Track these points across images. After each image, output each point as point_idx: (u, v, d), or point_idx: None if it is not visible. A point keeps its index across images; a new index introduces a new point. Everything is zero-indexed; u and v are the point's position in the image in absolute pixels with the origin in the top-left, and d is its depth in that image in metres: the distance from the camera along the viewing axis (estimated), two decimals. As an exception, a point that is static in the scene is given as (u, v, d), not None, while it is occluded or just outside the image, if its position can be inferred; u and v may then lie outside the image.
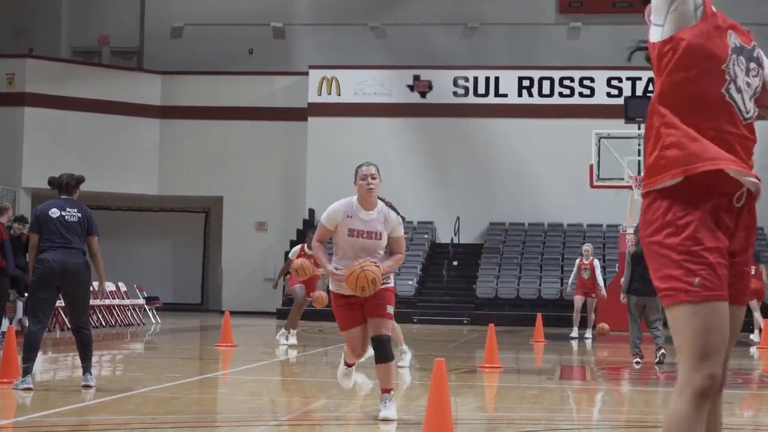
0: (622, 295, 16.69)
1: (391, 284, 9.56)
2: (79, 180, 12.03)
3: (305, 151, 38.32)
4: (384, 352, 9.23)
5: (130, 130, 39.15)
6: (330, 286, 9.60)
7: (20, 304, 21.01)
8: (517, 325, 30.03)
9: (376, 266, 9.08)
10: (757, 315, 24.16)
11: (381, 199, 9.61)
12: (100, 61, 41.03)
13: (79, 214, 11.77)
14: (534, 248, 36.76)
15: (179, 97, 39.88)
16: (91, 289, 12.26)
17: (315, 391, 12.73)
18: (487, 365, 15.34)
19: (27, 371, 11.44)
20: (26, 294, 20.18)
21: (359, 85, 38.57)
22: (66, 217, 11.70)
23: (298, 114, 38.81)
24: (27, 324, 20.01)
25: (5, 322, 19.65)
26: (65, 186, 11.94)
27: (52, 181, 12.01)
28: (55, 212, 11.71)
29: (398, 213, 9.65)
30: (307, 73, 38.97)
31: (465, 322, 32.90)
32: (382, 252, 9.48)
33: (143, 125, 39.50)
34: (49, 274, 11.52)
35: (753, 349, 22.07)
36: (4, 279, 19.62)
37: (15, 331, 13.04)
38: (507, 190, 37.92)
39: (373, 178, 9.53)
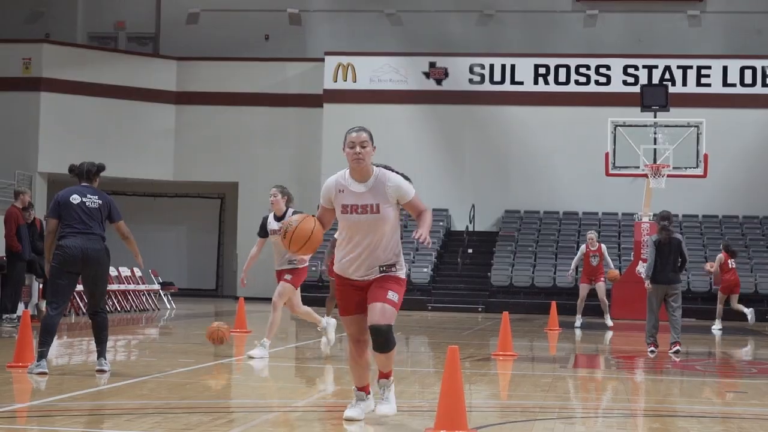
0: (646, 283, 16.55)
1: (400, 274, 8.59)
2: (100, 168, 12.07)
3: (320, 138, 38.30)
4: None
5: (145, 116, 39.17)
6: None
7: (36, 289, 21.04)
8: (532, 313, 30.00)
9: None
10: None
11: (378, 166, 8.54)
12: (116, 46, 41.04)
13: (100, 201, 11.80)
14: (549, 236, 36.69)
15: (195, 82, 39.87)
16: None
17: (328, 377, 12.73)
18: (500, 353, 15.34)
19: (42, 355, 11.49)
20: (43, 276, 20.36)
21: (375, 71, 38.52)
22: (87, 204, 11.72)
23: (314, 100, 38.80)
24: (43, 308, 20.15)
25: (21, 306, 19.70)
26: (86, 173, 11.98)
27: (72, 169, 12.05)
28: (76, 198, 11.73)
29: (399, 173, 8.59)
30: (322, 60, 38.92)
31: (479, 309, 32.89)
32: (388, 231, 8.43)
33: (159, 111, 39.51)
34: (69, 260, 11.55)
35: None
36: (19, 263, 19.69)
37: (30, 315, 13.04)
38: (522, 177, 37.86)
39: (363, 146, 8.41)
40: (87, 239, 11.59)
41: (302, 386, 12.17)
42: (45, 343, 11.54)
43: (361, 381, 8.68)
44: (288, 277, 14.27)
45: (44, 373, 11.41)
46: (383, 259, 8.48)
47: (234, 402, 10.44)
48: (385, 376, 8.67)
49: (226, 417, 9.16)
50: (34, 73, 37.44)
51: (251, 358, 14.10)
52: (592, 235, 24.92)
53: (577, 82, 38.00)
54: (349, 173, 8.49)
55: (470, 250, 36.02)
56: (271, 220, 14.35)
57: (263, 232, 14.40)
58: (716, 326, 25.03)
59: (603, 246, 24.84)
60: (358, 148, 8.37)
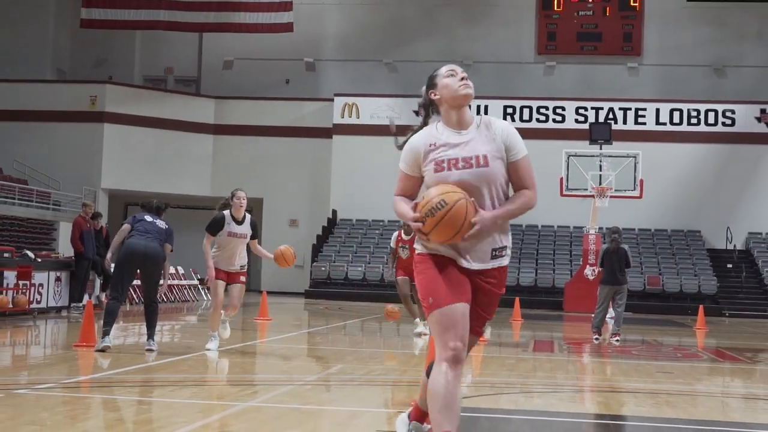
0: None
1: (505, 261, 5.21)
2: (166, 206, 12.28)
3: (330, 163, 38.32)
4: None
5: (188, 144, 39.18)
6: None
7: (98, 283, 21.05)
8: (500, 307, 29.94)
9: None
10: None
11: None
12: (165, 87, 41.05)
13: (165, 226, 12.03)
14: (514, 245, 36.67)
15: (229, 117, 39.89)
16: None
17: (334, 357, 12.72)
18: (474, 339, 15.28)
19: (106, 333, 11.57)
20: (103, 274, 20.38)
21: (375, 109, 38.55)
22: (156, 223, 11.94)
23: (325, 132, 38.82)
24: (103, 299, 20.13)
25: (85, 297, 19.70)
26: (156, 209, 12.17)
27: (144, 204, 12.25)
28: (149, 218, 12.02)
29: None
30: (332, 100, 38.96)
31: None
32: (502, 192, 5.21)
33: (199, 140, 39.51)
34: (132, 255, 11.61)
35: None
36: (84, 261, 19.72)
37: (93, 305, 13.04)
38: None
39: (464, 79, 5.34)
40: (149, 240, 11.73)
41: (313, 364, 12.15)
42: (108, 323, 11.62)
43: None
44: (243, 279, 12.42)
45: (108, 347, 11.49)
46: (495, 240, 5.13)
47: (257, 377, 10.42)
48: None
49: (251, 389, 9.15)
50: (99, 108, 37.45)
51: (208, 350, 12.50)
52: None
53: (538, 120, 38.03)
54: (443, 122, 5.28)
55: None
56: (230, 222, 12.12)
57: (217, 230, 11.99)
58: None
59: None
60: (461, 76, 5.36)
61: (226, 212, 12.12)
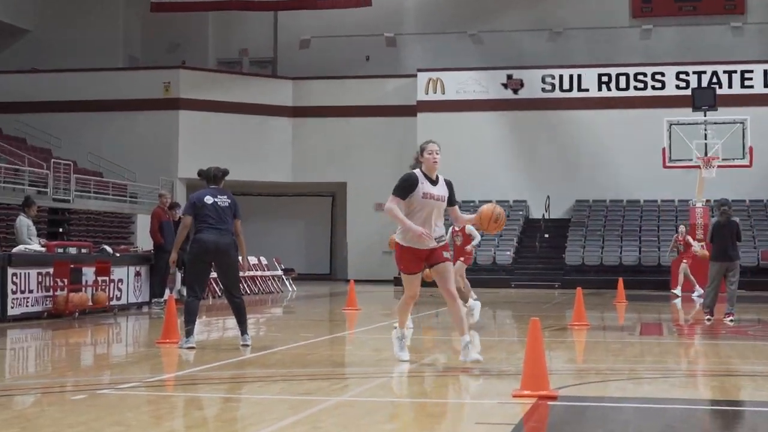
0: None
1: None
2: (225, 172, 12.10)
3: (415, 142, 38.20)
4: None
5: (267, 128, 39.47)
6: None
7: (179, 276, 21.27)
8: (602, 288, 29.67)
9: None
10: None
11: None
12: (241, 69, 41.39)
13: (229, 201, 11.85)
14: (615, 221, 36.31)
15: (308, 98, 40.07)
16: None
17: (427, 347, 12.69)
18: (576, 323, 15.19)
19: (189, 333, 11.58)
20: (183, 268, 20.59)
21: (460, 84, 38.40)
22: (218, 203, 11.77)
23: (409, 110, 38.78)
24: (185, 293, 20.40)
25: (167, 291, 19.92)
26: (213, 177, 12.00)
27: (201, 173, 12.07)
28: (209, 199, 11.77)
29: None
30: (415, 76, 38.90)
31: (556, 286, 32.62)
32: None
33: (278, 123, 39.78)
34: (203, 251, 11.59)
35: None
36: (164, 254, 19.90)
37: (174, 299, 13.19)
38: (590, 171, 37.47)
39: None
40: (219, 234, 11.62)
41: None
42: (190, 322, 11.63)
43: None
44: (446, 255, 10.75)
45: (192, 348, 11.52)
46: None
47: (348, 370, 10.44)
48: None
49: (341, 383, 9.16)
50: (173, 95, 37.92)
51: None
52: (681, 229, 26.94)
53: (635, 88, 37.52)
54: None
55: (546, 235, 35.74)
56: (424, 181, 9.87)
57: (408, 191, 9.84)
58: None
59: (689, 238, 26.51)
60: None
61: (417, 170, 9.92)
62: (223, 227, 11.64)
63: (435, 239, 9.77)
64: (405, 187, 9.73)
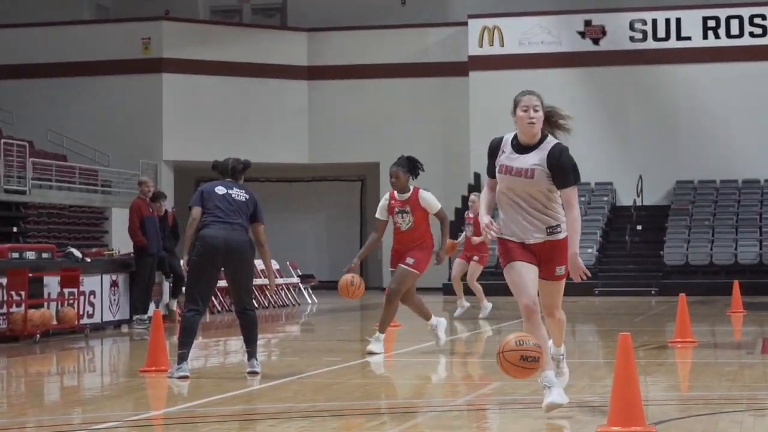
0: None
1: None
2: (246, 165, 12.20)
3: (467, 110, 38.26)
4: None
5: (275, 94, 39.54)
6: None
7: (166, 287, 21.40)
8: (711, 295, 29.59)
9: None
10: None
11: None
12: (240, 20, 41.53)
13: (247, 196, 11.92)
14: (728, 208, 36.14)
15: (327, 55, 40.12)
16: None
17: (488, 373, 12.71)
18: (678, 340, 15.17)
19: (182, 358, 11.60)
20: (172, 276, 20.72)
21: (524, 33, 38.34)
22: (233, 195, 11.85)
23: (458, 69, 38.73)
24: (174, 308, 20.50)
25: (152, 306, 20.03)
26: (231, 170, 12.11)
27: (216, 165, 12.20)
28: (221, 189, 11.88)
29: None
30: (466, 24, 38.86)
31: (652, 292, 32.57)
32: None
33: (290, 88, 39.85)
34: (210, 252, 11.61)
35: None
36: (147, 258, 20.01)
37: (162, 315, 13.23)
38: (694, 144, 37.30)
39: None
40: (230, 229, 11.66)
41: (459, 384, 12.17)
42: (185, 344, 11.66)
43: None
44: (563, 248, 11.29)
45: (186, 377, 11.56)
46: None
47: (385, 402, 10.49)
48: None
49: (377, 419, 9.22)
50: (154, 54, 38.08)
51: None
52: None
53: (752, 35, 37.34)
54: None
55: (639, 227, 35.65)
56: (510, 150, 9.02)
57: (492, 160, 9.18)
58: None
59: None
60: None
61: (507, 135, 9.16)
62: (235, 221, 11.70)
63: (547, 228, 8.87)
64: (488, 158, 9.21)
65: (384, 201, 14.37)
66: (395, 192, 14.21)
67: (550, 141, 8.95)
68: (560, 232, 8.91)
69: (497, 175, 8.93)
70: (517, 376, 8.42)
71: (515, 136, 8.99)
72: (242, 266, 11.76)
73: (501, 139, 9.14)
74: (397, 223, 14.19)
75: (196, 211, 11.81)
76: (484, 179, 9.27)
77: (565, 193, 8.82)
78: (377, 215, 14.36)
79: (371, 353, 13.77)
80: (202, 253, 11.61)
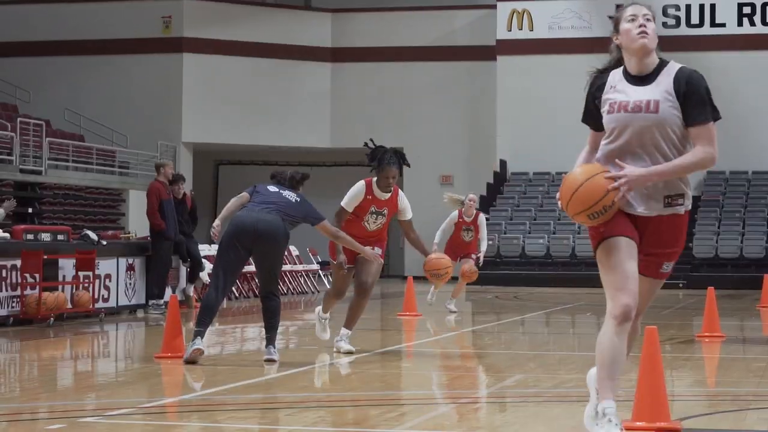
0: None
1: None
2: (305, 176, 12.42)
3: (494, 95, 38.19)
4: None
5: (298, 76, 39.53)
6: None
7: (184, 271, 21.42)
8: (741, 289, 29.50)
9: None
10: None
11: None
12: (263, 0, 41.49)
13: (296, 198, 12.03)
14: (760, 200, 36.06)
15: (352, 37, 40.10)
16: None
17: (510, 365, 12.71)
18: (706, 334, 15.13)
19: (199, 334, 11.59)
20: (189, 260, 20.78)
21: (555, 17, 38.25)
22: (283, 194, 11.97)
23: (486, 53, 38.68)
24: (191, 293, 20.56)
25: (168, 291, 20.06)
26: (289, 180, 12.28)
27: (274, 175, 12.36)
28: (273, 188, 12.05)
29: None
30: (494, 6, 38.78)
31: (680, 285, 32.47)
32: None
33: (313, 70, 39.84)
34: (240, 232, 11.66)
35: None
36: (165, 243, 20.04)
37: (178, 301, 13.23)
38: (726, 134, 36.86)
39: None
40: (266, 212, 11.73)
41: (481, 376, 12.17)
42: (203, 323, 11.66)
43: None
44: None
45: (200, 351, 11.56)
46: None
47: (405, 393, 10.49)
48: None
49: (396, 410, 9.22)
50: (174, 33, 38.10)
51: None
52: None
53: (788, 22, 37.23)
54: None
55: (668, 218, 35.54)
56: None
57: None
58: None
59: None
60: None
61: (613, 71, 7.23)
62: (271, 206, 11.77)
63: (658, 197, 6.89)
64: (587, 101, 7.26)
65: (360, 194, 13.25)
66: (376, 190, 13.27)
67: (674, 65, 6.97)
68: (682, 204, 6.96)
69: (605, 117, 6.85)
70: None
71: (624, 69, 6.93)
72: (270, 250, 11.74)
73: (605, 73, 7.09)
74: (363, 222, 13.10)
75: (244, 195, 11.99)
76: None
77: (699, 131, 7.06)
78: (347, 207, 13.13)
79: (350, 353, 12.71)
80: (231, 233, 11.67)
